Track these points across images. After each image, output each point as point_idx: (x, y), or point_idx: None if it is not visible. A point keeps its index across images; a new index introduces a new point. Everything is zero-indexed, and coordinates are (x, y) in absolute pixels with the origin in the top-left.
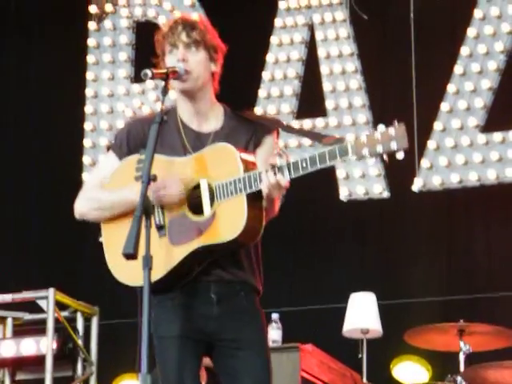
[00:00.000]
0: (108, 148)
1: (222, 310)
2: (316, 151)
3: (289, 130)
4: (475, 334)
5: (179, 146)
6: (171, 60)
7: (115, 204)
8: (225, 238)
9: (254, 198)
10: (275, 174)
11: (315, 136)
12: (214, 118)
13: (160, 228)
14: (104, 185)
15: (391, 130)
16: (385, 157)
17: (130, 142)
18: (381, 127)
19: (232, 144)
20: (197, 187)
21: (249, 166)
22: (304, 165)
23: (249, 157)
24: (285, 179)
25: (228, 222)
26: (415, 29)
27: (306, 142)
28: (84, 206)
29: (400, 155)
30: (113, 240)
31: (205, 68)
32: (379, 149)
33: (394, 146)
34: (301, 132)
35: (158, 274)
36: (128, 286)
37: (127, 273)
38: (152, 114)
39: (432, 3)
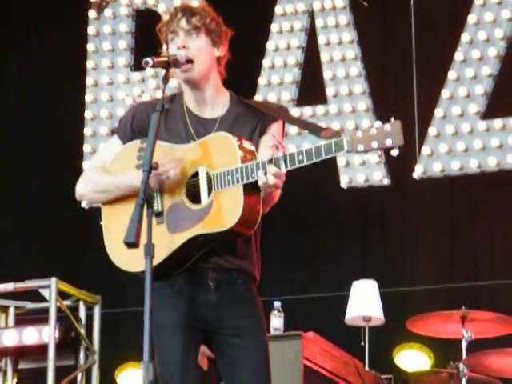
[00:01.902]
0: (112, 131)
1: (220, 297)
2: (313, 144)
3: (290, 121)
4: (477, 321)
5: (183, 133)
6: (173, 48)
7: (115, 187)
8: (221, 228)
9: (252, 189)
10: (272, 165)
11: (314, 129)
12: (219, 104)
13: (158, 215)
14: (105, 168)
15: (387, 127)
16: (379, 153)
17: (134, 125)
18: (377, 123)
19: (237, 131)
20: (196, 175)
21: (247, 156)
22: (300, 158)
23: (248, 146)
24: (281, 171)
25: (224, 211)
26: (415, 15)
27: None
28: (84, 188)
29: (395, 152)
30: (112, 224)
31: (207, 54)
32: (374, 145)
33: (389, 142)
34: (301, 124)
35: (156, 259)
36: (124, 271)
37: (125, 258)
38: (157, 99)
39: None
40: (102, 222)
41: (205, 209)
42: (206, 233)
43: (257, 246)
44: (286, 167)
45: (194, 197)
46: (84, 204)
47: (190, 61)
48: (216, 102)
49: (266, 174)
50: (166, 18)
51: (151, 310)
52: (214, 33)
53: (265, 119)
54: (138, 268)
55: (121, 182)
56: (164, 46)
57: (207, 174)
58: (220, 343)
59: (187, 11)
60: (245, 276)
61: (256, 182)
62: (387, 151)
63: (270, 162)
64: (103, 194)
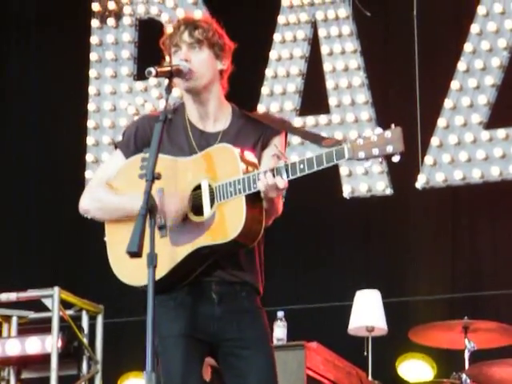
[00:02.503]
0: (115, 145)
1: (224, 310)
2: (315, 153)
3: (292, 131)
4: (480, 332)
5: (186, 146)
6: (176, 61)
7: (116, 209)
8: (223, 239)
9: (254, 199)
10: (273, 175)
11: (315, 139)
12: (221, 117)
13: (161, 228)
14: (110, 184)
15: (387, 134)
16: (380, 160)
17: (137, 140)
18: (377, 130)
19: (239, 145)
20: (198, 188)
21: (249, 167)
22: (301, 166)
23: (250, 157)
24: (283, 180)
25: (227, 223)
26: (418, 25)
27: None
28: (88, 205)
29: (395, 158)
30: (116, 240)
31: (209, 67)
32: (375, 152)
33: (389, 149)
34: (303, 134)
35: (159, 273)
36: (129, 285)
37: (129, 272)
38: (160, 111)
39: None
40: (105, 238)
41: (207, 221)
42: (208, 245)
43: (260, 259)
44: (288, 176)
45: (197, 209)
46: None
47: (191, 71)
48: (218, 116)
49: (267, 183)
50: (169, 30)
51: (154, 320)
52: (216, 46)
53: (267, 132)
54: (142, 282)
55: (124, 204)
56: (167, 59)
57: (209, 186)
58: (226, 355)
59: (190, 24)
60: (248, 289)
61: (258, 192)
62: (388, 158)
63: (272, 171)
64: (107, 213)
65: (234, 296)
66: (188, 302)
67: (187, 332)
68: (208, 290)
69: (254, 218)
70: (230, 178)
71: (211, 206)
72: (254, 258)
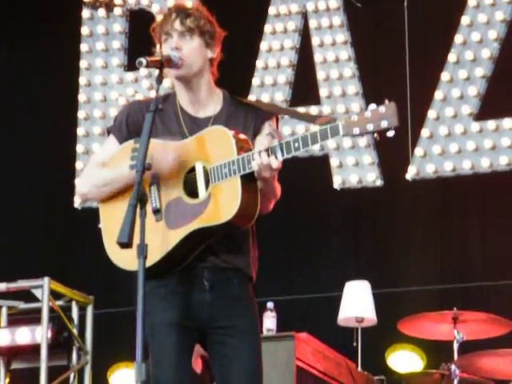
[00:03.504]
0: (108, 131)
1: (215, 296)
2: (308, 132)
3: (284, 112)
4: (469, 323)
5: (177, 132)
6: (166, 49)
7: (112, 180)
8: (219, 220)
9: (249, 180)
10: (268, 154)
11: (309, 118)
12: (212, 103)
13: (156, 212)
14: (104, 165)
15: (381, 109)
16: (375, 135)
17: (129, 124)
18: (371, 106)
19: (230, 129)
20: (192, 170)
21: (244, 148)
22: (296, 145)
23: (244, 138)
24: (277, 160)
25: (222, 204)
26: (409, 17)
27: (300, 129)
28: (84, 185)
29: (390, 133)
30: (110, 224)
31: (199, 55)
32: (370, 127)
33: (384, 124)
34: (295, 114)
35: (154, 258)
36: (125, 270)
37: (125, 257)
38: (150, 98)
39: None
40: (100, 225)
41: (203, 203)
42: (204, 226)
43: (254, 246)
44: (283, 155)
45: (192, 192)
46: (77, 204)
47: (181, 60)
48: (209, 102)
49: (261, 163)
50: (159, 18)
51: (144, 310)
52: (207, 34)
53: (259, 117)
54: (137, 266)
55: (121, 172)
56: (157, 46)
57: (204, 168)
58: (214, 343)
59: (181, 12)
60: (241, 276)
61: (253, 173)
62: (383, 133)
63: (267, 151)
64: (103, 187)
65: (225, 283)
66: (179, 289)
67: (178, 321)
68: (200, 276)
69: (250, 199)
70: (224, 159)
71: (206, 188)
72: (247, 244)
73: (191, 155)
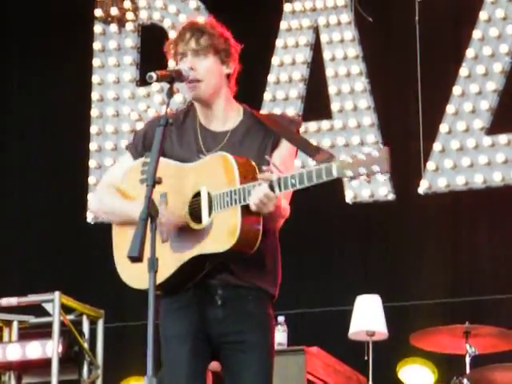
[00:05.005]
0: (127, 147)
1: (227, 313)
2: (305, 169)
3: (290, 141)
4: (481, 336)
5: (194, 146)
6: (181, 68)
7: (120, 214)
8: (219, 249)
9: (251, 209)
10: (263, 189)
11: (310, 152)
12: (231, 118)
13: (163, 233)
14: (118, 186)
15: (375, 153)
16: (367, 178)
17: (146, 142)
18: (365, 149)
19: (246, 144)
20: (198, 194)
21: (247, 176)
22: (293, 181)
23: (249, 166)
24: (274, 194)
25: (223, 232)
26: (420, 31)
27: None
28: (95, 207)
29: (381, 178)
30: (122, 242)
31: (215, 73)
32: (362, 171)
33: (376, 169)
34: (299, 145)
35: (160, 277)
36: (135, 289)
37: (135, 276)
38: (171, 113)
39: (437, 6)
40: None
41: (206, 229)
42: (205, 253)
43: (275, 261)
44: (280, 190)
45: (197, 216)
46: (89, 219)
47: (197, 80)
48: (227, 116)
49: (258, 196)
50: (173, 36)
51: (154, 324)
52: (223, 51)
53: (277, 133)
54: (147, 285)
55: (128, 212)
56: (170, 63)
57: (208, 193)
58: (226, 358)
59: (195, 31)
60: (256, 293)
61: None
62: (373, 175)
63: (266, 184)
64: (111, 216)
65: (238, 300)
66: (192, 304)
67: (192, 332)
68: (212, 293)
69: (251, 227)
70: (228, 187)
71: (209, 214)
72: (264, 260)
73: (198, 179)
